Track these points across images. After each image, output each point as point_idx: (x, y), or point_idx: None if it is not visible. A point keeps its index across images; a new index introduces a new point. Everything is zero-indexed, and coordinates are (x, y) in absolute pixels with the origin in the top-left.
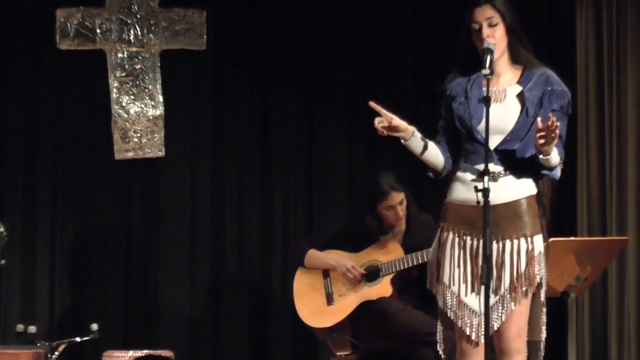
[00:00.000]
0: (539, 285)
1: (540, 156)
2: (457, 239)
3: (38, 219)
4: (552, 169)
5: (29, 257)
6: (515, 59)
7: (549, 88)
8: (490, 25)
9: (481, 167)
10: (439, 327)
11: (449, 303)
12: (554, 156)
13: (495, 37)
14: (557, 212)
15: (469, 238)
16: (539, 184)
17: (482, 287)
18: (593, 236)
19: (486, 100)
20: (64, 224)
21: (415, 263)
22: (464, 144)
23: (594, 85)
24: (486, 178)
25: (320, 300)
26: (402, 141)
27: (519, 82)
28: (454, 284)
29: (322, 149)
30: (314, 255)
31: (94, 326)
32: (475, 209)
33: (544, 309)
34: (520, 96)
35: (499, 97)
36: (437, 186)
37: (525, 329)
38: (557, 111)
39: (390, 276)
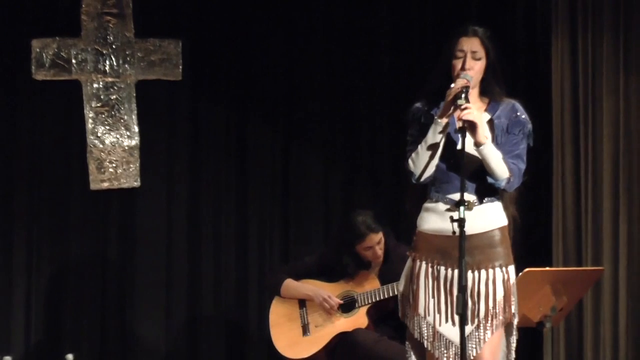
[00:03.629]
0: (513, 315)
1: (475, 147)
2: (430, 269)
3: (14, 248)
4: (494, 176)
5: (5, 287)
6: (484, 92)
7: (514, 115)
8: (474, 59)
9: (454, 196)
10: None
11: (425, 334)
12: (492, 157)
13: (474, 69)
14: (533, 242)
15: (442, 268)
16: (509, 215)
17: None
18: (569, 266)
19: (462, 131)
20: (39, 253)
21: (391, 294)
22: (436, 174)
23: (569, 116)
24: (462, 208)
25: (296, 331)
26: (442, 119)
27: (486, 111)
28: (429, 315)
29: (298, 181)
30: (290, 284)
31: (70, 357)
32: (449, 239)
33: (515, 340)
34: (490, 123)
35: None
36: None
37: (498, 358)
38: (517, 135)
39: (366, 307)
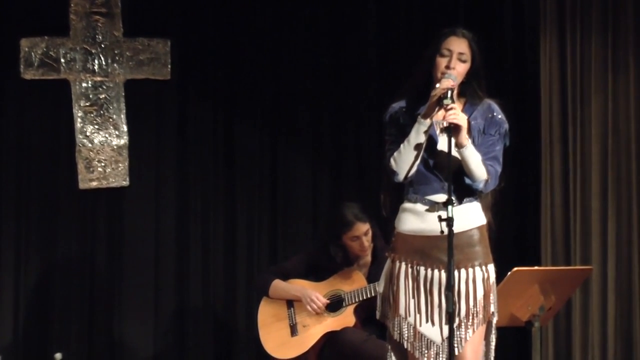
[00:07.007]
0: (492, 314)
1: (456, 149)
2: (409, 270)
3: (2, 247)
4: (473, 178)
5: None
6: (462, 94)
7: (490, 115)
8: (460, 60)
9: (433, 197)
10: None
11: (406, 334)
12: (472, 159)
13: (458, 71)
14: (522, 241)
15: (422, 268)
16: (488, 213)
17: (438, 317)
18: (557, 266)
19: (447, 131)
20: (28, 253)
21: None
22: (415, 175)
23: (558, 116)
24: (450, 207)
25: (284, 331)
26: (426, 119)
27: (462, 111)
28: (409, 315)
29: (286, 179)
30: (278, 285)
31: (58, 356)
32: (429, 239)
33: (494, 339)
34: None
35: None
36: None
37: (480, 357)
38: (493, 136)
39: (354, 306)
